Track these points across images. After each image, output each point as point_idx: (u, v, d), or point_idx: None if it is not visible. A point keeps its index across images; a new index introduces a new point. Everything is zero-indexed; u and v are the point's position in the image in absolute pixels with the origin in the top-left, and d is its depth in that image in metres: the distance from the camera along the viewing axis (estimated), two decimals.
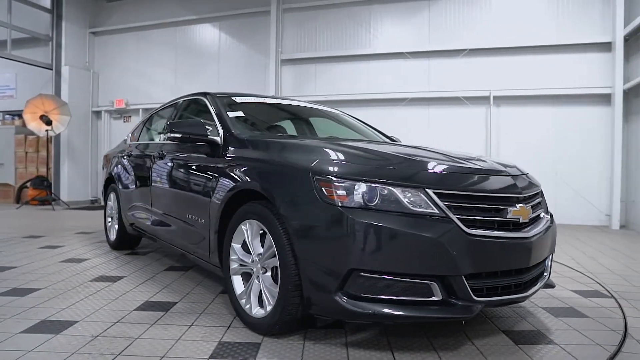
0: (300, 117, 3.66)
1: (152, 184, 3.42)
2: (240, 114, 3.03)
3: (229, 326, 2.30)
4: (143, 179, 3.62)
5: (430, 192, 1.88)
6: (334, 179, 1.89)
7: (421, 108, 8.07)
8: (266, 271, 2.18)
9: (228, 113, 2.89)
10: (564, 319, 2.51)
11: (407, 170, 1.98)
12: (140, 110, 9.63)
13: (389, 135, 3.78)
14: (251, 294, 2.24)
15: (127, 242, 4.30)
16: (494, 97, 7.57)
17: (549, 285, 2.38)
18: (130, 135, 4.60)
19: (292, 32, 8.77)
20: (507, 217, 2.02)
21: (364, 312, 1.83)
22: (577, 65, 7.15)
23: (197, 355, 1.92)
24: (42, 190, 8.90)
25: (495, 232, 1.96)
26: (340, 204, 1.85)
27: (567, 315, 2.57)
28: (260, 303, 2.20)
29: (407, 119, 8.04)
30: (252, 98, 3.36)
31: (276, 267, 2.12)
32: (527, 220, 2.11)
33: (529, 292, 2.10)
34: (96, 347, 1.98)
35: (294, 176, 2.03)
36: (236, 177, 2.35)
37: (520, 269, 2.06)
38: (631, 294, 3.05)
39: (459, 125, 7.80)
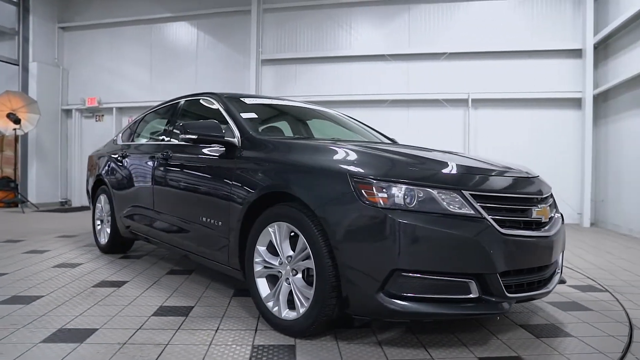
0: (304, 118, 3.67)
1: (156, 185, 3.33)
2: (253, 115, 3.00)
3: (256, 329, 2.28)
4: (143, 181, 3.52)
5: (466, 193, 1.94)
6: (375, 181, 1.92)
7: (401, 110, 8.22)
8: (297, 273, 2.18)
9: (241, 114, 2.87)
10: (571, 312, 2.65)
11: (443, 172, 2.03)
12: (114, 109, 9.31)
13: (390, 137, 3.84)
14: (280, 297, 2.23)
15: (120, 245, 4.17)
16: (472, 100, 7.83)
17: (562, 281, 2.50)
18: (120, 135, 4.45)
19: (273, 32, 8.73)
20: (532, 217, 2.12)
21: (404, 311, 1.87)
22: (551, 71, 7.51)
23: None
24: (8, 192, 8.44)
25: (524, 231, 2.05)
26: (381, 206, 1.88)
27: (573, 309, 2.71)
28: (290, 305, 2.20)
29: (388, 120, 8.16)
30: (259, 99, 3.34)
31: (308, 269, 2.13)
32: (547, 220, 2.22)
33: (551, 287, 2.21)
34: (129, 355, 1.92)
35: (330, 179, 2.04)
36: (262, 179, 2.34)
37: (541, 266, 2.17)
38: (622, 287, 3.24)
39: (438, 127, 8.00)
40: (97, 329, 2.23)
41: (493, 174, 2.15)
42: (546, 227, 2.20)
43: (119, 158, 3.98)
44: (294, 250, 2.20)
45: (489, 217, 1.93)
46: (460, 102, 7.94)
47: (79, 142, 9.62)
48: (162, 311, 2.55)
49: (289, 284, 2.21)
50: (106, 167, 4.20)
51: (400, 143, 3.52)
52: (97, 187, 4.45)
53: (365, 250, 1.90)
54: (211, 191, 2.73)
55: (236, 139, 2.66)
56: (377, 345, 2.09)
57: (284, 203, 2.24)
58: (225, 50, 8.93)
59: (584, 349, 2.10)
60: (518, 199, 2.10)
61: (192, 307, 2.64)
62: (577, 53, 7.35)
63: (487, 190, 2.01)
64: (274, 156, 2.40)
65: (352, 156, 2.15)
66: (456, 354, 2.02)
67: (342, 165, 2.05)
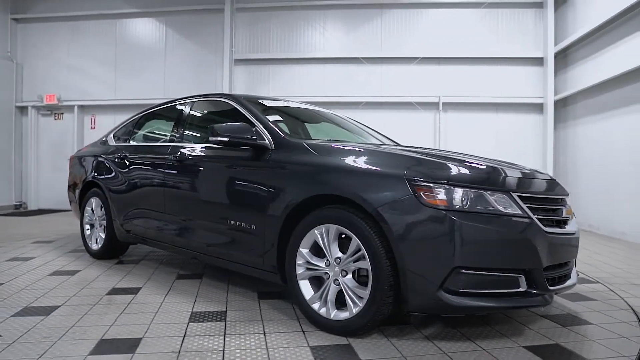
0: (313, 121, 3.70)
1: (168, 188, 3.23)
2: (277, 117, 3.00)
3: (303, 331, 2.30)
4: (151, 184, 3.40)
5: (514, 195, 2.08)
6: (433, 184, 2.01)
7: (376, 112, 8.40)
8: (347, 274, 2.22)
9: (267, 117, 2.86)
10: (579, 303, 2.88)
11: (493, 176, 2.15)
12: (76, 107, 8.80)
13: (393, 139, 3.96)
14: (328, 298, 2.26)
15: (115, 250, 4.00)
16: (443, 104, 8.16)
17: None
18: (110, 136, 4.26)
19: (245, 32, 8.64)
20: (562, 215, 2.30)
21: (462, 306, 1.97)
22: (515, 77, 7.99)
23: None
24: None
25: (559, 229, 2.22)
26: (441, 207, 1.97)
27: (579, 300, 2.94)
28: (339, 306, 2.24)
29: (363, 121, 8.29)
30: (274, 102, 3.33)
31: (359, 270, 2.18)
32: (569, 218, 2.42)
33: (575, 280, 2.41)
34: None
35: (387, 182, 2.09)
36: (309, 182, 2.35)
37: (567, 261, 2.36)
38: (610, 279, 3.56)
39: (411, 128, 8.26)
40: (140, 338, 2.15)
41: (531, 177, 2.31)
42: (569, 226, 2.39)
43: (117, 160, 3.81)
44: (342, 252, 2.24)
45: (534, 217, 2.08)
46: (432, 105, 8.25)
47: (35, 141, 8.99)
48: (197, 317, 2.49)
49: (337, 284, 2.25)
50: (100, 169, 4.00)
51: (402, 145, 3.63)
52: (86, 191, 4.22)
53: (426, 250, 1.98)
54: (242, 194, 2.70)
55: (267, 141, 2.65)
56: (427, 340, 2.18)
57: (332, 206, 2.27)
58: (196, 49, 8.72)
59: (610, 334, 2.30)
60: (552, 200, 2.28)
61: (225, 311, 2.60)
62: (539, 61, 7.88)
63: (529, 192, 2.17)
64: (318, 160, 2.40)
65: (405, 160, 2.22)
66: (502, 344, 2.15)
67: (397, 169, 2.12)
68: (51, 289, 3.03)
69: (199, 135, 3.32)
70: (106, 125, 8.77)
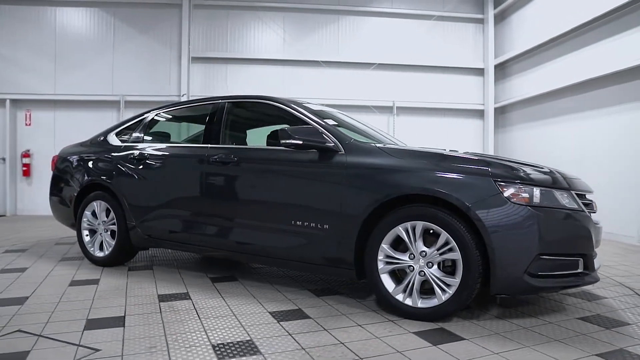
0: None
1: (211, 190, 3.18)
2: (331, 121, 3.11)
3: (392, 320, 2.49)
4: (188, 186, 3.30)
5: (573, 193, 2.48)
6: (518, 184, 2.33)
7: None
8: (433, 265, 2.45)
9: (325, 120, 2.98)
10: (596, 302, 2.97)
11: (556, 177, 2.52)
12: (8, 101, 7.87)
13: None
14: (414, 288, 2.48)
15: (125, 256, 3.79)
16: (397, 108, 8.73)
17: None
18: (112, 135, 4.00)
19: (202, 30, 8.43)
20: (594, 209, 2.77)
21: (539, 286, 2.33)
22: (460, 85, 8.82)
23: (421, 345, 2.12)
24: None
25: (596, 220, 2.68)
26: (525, 204, 2.30)
27: (593, 300, 2.99)
28: (426, 295, 2.47)
29: None
30: (313, 105, 3.43)
31: (444, 261, 2.43)
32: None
33: (600, 263, 2.90)
34: (329, 356, 1.99)
35: (475, 182, 2.36)
36: (391, 183, 2.53)
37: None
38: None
39: None
40: (251, 339, 2.18)
41: (574, 177, 2.73)
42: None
43: (135, 161, 3.61)
44: (426, 246, 2.47)
45: (586, 210, 2.51)
46: (386, 109, 8.78)
47: None
48: (279, 316, 2.54)
49: (422, 275, 2.47)
50: (108, 171, 3.75)
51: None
52: (84, 194, 3.92)
53: (515, 241, 2.29)
54: (310, 195, 2.79)
55: (333, 144, 2.78)
56: (499, 319, 2.51)
57: (416, 204, 2.49)
58: (149, 44, 8.30)
59: None
60: (587, 196, 2.73)
61: (300, 309, 2.69)
62: (481, 71, 8.78)
63: (579, 190, 2.59)
64: (400, 162, 2.58)
65: (484, 163, 2.50)
66: (565, 330, 2.54)
67: (482, 170, 2.40)
68: (86, 299, 2.83)
69: (241, 136, 3.32)
70: (45, 122, 8.01)
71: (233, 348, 2.08)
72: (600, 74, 6.07)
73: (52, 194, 4.28)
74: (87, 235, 3.91)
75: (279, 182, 2.95)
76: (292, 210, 2.86)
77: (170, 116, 3.83)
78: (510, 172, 2.40)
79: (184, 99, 8.07)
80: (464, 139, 8.83)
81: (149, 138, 3.85)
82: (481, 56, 8.80)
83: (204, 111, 3.54)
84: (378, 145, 2.81)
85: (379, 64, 8.65)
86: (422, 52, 8.76)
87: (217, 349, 2.06)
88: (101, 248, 3.82)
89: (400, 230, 2.51)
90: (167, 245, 3.54)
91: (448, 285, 2.40)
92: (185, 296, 2.95)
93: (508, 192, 2.32)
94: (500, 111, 8.65)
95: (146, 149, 3.64)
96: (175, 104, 3.80)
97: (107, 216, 3.79)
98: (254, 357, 1.98)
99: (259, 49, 8.58)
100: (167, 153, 3.55)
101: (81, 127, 8.04)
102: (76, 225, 3.97)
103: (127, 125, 4.01)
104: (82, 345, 2.08)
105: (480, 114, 8.85)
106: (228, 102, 3.44)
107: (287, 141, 2.71)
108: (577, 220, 2.43)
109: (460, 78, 8.82)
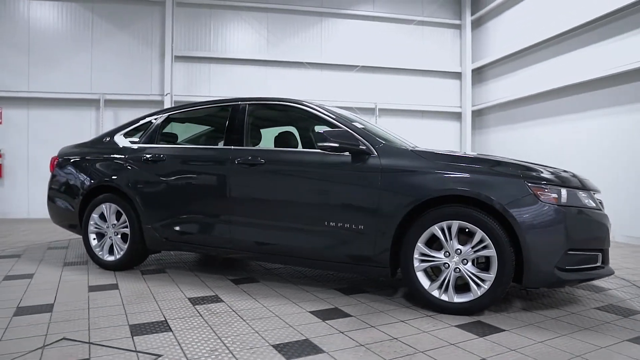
0: None
1: (237, 193, 3.18)
2: (361, 125, 3.18)
3: (429, 315, 2.61)
4: (211, 188, 3.29)
5: (591, 192, 2.70)
6: (547, 185, 2.51)
7: None
8: (467, 262, 2.59)
9: (355, 124, 3.07)
10: (603, 293, 3.21)
11: (576, 179, 2.73)
12: None
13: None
14: (450, 284, 2.61)
15: (137, 260, 3.72)
16: (379, 109, 8.93)
17: None
18: (120, 136, 3.90)
19: (185, 29, 8.29)
20: (603, 207, 3.01)
21: (566, 279, 2.52)
22: (439, 88, 9.14)
23: (469, 337, 2.25)
24: None
25: None
26: (555, 204, 2.49)
27: (598, 291, 3.28)
28: (459, 291, 2.61)
29: None
30: (334, 108, 3.49)
31: (477, 258, 2.58)
32: None
33: None
34: (391, 351, 2.08)
35: (507, 183, 2.53)
36: (426, 185, 2.65)
37: None
38: None
39: None
40: (307, 339, 2.24)
41: (587, 179, 2.96)
42: None
43: (150, 162, 3.54)
44: (460, 244, 2.61)
45: (603, 209, 2.73)
46: (369, 111, 8.96)
47: None
48: (321, 315, 2.60)
49: (457, 272, 2.61)
50: (121, 172, 3.66)
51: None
52: (91, 196, 3.81)
53: (546, 238, 2.47)
54: (345, 197, 2.86)
55: (365, 147, 2.87)
56: (525, 311, 2.69)
57: (450, 205, 2.62)
58: (129, 41, 8.07)
59: None
60: (595, 196, 2.97)
61: (337, 307, 2.76)
62: (458, 75, 9.13)
63: (594, 190, 2.81)
64: (434, 165, 2.70)
65: (513, 166, 2.67)
66: (589, 318, 2.76)
67: (514, 173, 2.56)
68: (115, 305, 2.78)
69: (280, 139, 3.35)
70: (17, 120, 7.63)
71: (294, 347, 2.12)
72: (573, 82, 6.50)
73: (51, 195, 4.11)
74: (94, 239, 3.80)
75: (310, 184, 3.00)
76: (325, 211, 2.92)
77: (185, 117, 3.78)
78: (539, 174, 2.58)
79: (167, 98, 7.90)
80: (442, 140, 9.15)
81: (164, 139, 3.79)
82: (458, 60, 9.15)
83: (223, 113, 3.53)
84: (410, 147, 2.92)
85: (362, 66, 8.81)
86: (403, 56, 9.00)
87: (279, 348, 2.11)
88: (111, 252, 3.72)
89: (436, 229, 2.63)
90: (185, 248, 3.51)
91: (482, 281, 2.55)
92: (217, 299, 2.95)
93: (539, 192, 2.50)
94: (477, 114, 9.04)
95: (163, 150, 3.58)
96: (189, 105, 3.76)
97: (118, 219, 3.70)
98: (320, 355, 2.04)
99: (243, 49, 8.53)
100: (186, 154, 3.52)
101: (57, 126, 7.73)
102: (82, 229, 3.84)
103: (136, 126, 3.92)
104: (141, 352, 2.06)
105: (458, 116, 9.21)
106: (251, 103, 3.44)
107: (324, 144, 2.78)
108: (597, 218, 2.65)
109: (440, 81, 9.14)
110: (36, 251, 4.59)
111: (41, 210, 7.28)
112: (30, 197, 7.57)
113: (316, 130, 2.88)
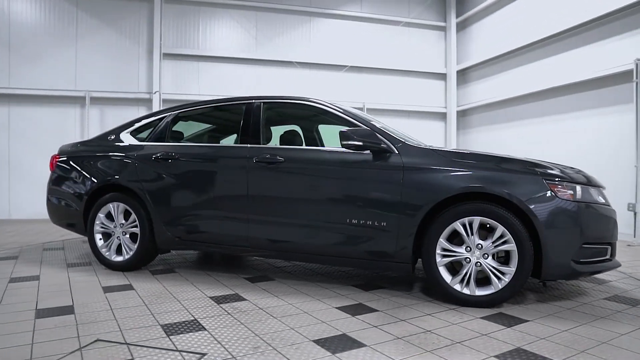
0: None
1: (256, 192, 3.19)
2: (376, 124, 3.24)
3: (452, 308, 2.70)
4: (227, 187, 3.28)
5: (601, 189, 2.85)
6: (563, 182, 2.65)
7: None
8: (488, 256, 2.70)
9: (374, 123, 3.13)
10: (606, 284, 3.51)
11: (587, 176, 2.87)
12: None
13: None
14: (471, 278, 2.71)
15: (146, 260, 3.67)
16: (367, 109, 9.03)
17: None
18: (126, 134, 3.83)
19: (173, 26, 8.17)
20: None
21: (581, 271, 2.67)
22: (424, 89, 9.32)
23: (497, 328, 2.35)
24: None
25: None
26: (571, 200, 2.62)
27: (599, 283, 3.56)
28: (480, 284, 2.71)
29: None
30: (350, 108, 3.53)
31: (498, 252, 2.69)
32: None
33: None
34: (429, 342, 2.15)
35: (526, 181, 2.64)
36: (449, 182, 2.73)
37: None
38: None
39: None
40: (344, 333, 2.28)
41: (593, 176, 3.12)
42: None
43: (162, 161, 3.50)
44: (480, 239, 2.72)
45: (610, 204, 2.89)
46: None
47: None
48: (350, 311, 2.65)
49: (478, 266, 2.71)
50: (130, 171, 3.59)
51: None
52: (97, 196, 3.73)
53: (564, 232, 2.61)
54: (368, 195, 2.92)
55: (386, 145, 2.94)
56: (542, 302, 2.82)
57: (471, 202, 2.72)
58: (116, 38, 7.88)
59: None
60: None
61: (361, 303, 2.81)
62: (443, 76, 9.35)
63: (601, 186, 2.97)
64: (456, 163, 2.79)
65: (530, 164, 2.78)
66: (594, 310, 2.91)
67: (532, 171, 2.68)
68: (138, 305, 2.75)
69: (286, 137, 3.36)
70: None
71: (334, 342, 2.17)
72: (555, 85, 6.79)
73: (51, 194, 4.00)
74: (100, 239, 3.72)
75: (331, 182, 3.04)
76: (347, 209, 2.97)
77: (195, 115, 3.75)
78: (555, 172, 2.71)
79: (155, 96, 7.76)
80: (428, 140, 9.30)
81: (174, 137, 3.75)
82: (444, 62, 9.37)
83: (237, 111, 3.53)
84: (429, 146, 3.01)
85: (351, 66, 8.90)
86: (390, 56, 9.14)
87: (321, 344, 2.14)
88: (119, 252, 3.66)
89: (457, 225, 2.73)
90: (199, 247, 3.49)
91: (503, 274, 2.66)
92: (239, 297, 2.95)
93: (556, 189, 2.62)
94: (462, 114, 9.28)
95: (175, 149, 3.54)
96: (199, 103, 3.73)
97: (126, 219, 3.64)
98: (363, 349, 2.09)
99: (232, 47, 8.46)
100: (200, 152, 3.49)
101: (40, 124, 7.49)
102: (87, 229, 3.76)
103: (143, 124, 3.86)
104: (185, 351, 2.06)
105: (443, 116, 9.43)
106: (266, 102, 3.45)
107: (348, 142, 2.83)
108: (607, 213, 2.80)
109: (425, 82, 9.33)
110: (32, 252, 4.45)
111: (24, 210, 7.04)
112: (12, 197, 7.29)
113: (340, 129, 2.91)
